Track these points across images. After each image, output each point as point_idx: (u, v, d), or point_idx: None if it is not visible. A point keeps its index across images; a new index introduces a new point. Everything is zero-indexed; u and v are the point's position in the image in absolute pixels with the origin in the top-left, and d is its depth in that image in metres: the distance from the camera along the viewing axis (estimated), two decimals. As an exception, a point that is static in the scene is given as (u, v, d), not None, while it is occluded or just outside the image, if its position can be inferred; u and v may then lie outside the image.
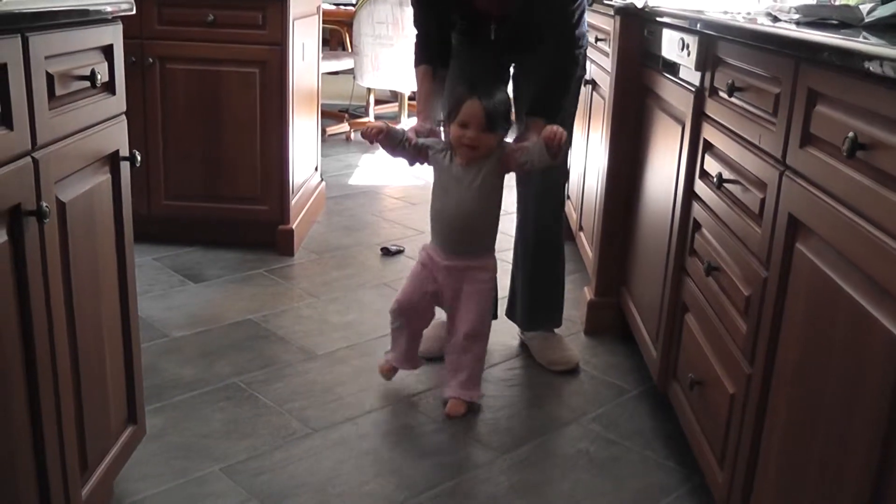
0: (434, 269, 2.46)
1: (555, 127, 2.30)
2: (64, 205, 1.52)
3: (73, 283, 1.58)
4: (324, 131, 5.00)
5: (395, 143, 2.38)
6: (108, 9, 1.66)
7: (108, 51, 1.71)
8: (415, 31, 2.63)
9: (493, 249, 2.50)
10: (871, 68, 1.17)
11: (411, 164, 2.47)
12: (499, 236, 2.88)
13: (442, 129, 2.50)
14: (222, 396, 2.47)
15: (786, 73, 1.54)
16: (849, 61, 1.25)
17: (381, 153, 2.42)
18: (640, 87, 2.72)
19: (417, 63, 2.60)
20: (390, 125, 2.40)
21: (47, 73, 1.43)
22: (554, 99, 2.52)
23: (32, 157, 1.39)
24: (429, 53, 2.59)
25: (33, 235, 1.40)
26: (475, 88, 2.31)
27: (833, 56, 1.31)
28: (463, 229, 2.41)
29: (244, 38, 3.42)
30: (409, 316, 2.52)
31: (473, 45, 2.67)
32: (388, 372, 2.57)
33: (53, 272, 1.48)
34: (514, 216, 2.84)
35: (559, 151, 2.33)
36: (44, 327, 1.47)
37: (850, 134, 1.23)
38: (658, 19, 2.47)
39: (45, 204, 1.39)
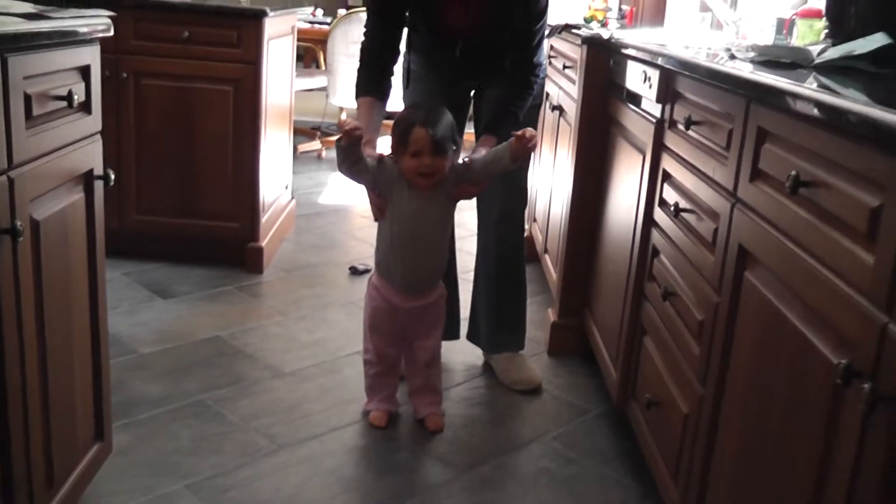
0: (395, 313, 2.44)
1: (531, 130, 2.30)
2: (38, 223, 1.55)
3: (45, 301, 1.61)
4: (295, 148, 5.05)
5: (356, 156, 2.29)
6: (87, 30, 1.70)
7: (85, 71, 1.75)
8: (360, 61, 2.58)
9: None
10: (812, 112, 1.24)
11: (359, 181, 2.38)
12: (461, 255, 2.94)
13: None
14: (189, 413, 2.50)
15: (738, 110, 1.62)
16: (792, 104, 1.32)
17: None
18: (605, 115, 2.79)
19: (361, 94, 2.55)
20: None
21: (25, 94, 1.47)
22: (508, 120, 2.53)
23: (8, 177, 1.42)
24: (374, 85, 2.55)
25: (6, 254, 1.43)
26: (417, 115, 2.30)
27: (778, 98, 1.38)
28: (426, 269, 2.42)
29: (219, 55, 3.46)
30: (389, 359, 2.52)
31: (436, 67, 2.70)
32: (383, 419, 2.51)
33: (26, 290, 1.52)
34: (475, 236, 2.89)
35: (523, 154, 2.32)
36: (14, 344, 1.49)
37: (793, 172, 1.30)
38: (623, 51, 2.54)
39: (19, 223, 1.43)
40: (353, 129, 2.22)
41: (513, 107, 2.56)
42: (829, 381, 1.17)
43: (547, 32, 2.72)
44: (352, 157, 2.29)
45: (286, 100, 4.04)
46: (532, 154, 2.73)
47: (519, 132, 2.29)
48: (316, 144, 6.12)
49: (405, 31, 2.65)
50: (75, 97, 1.65)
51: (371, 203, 2.42)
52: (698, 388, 1.75)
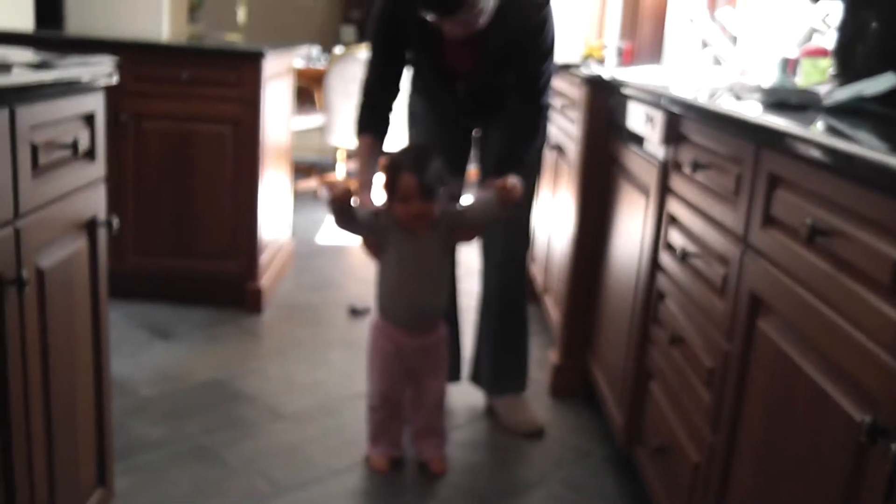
0: (402, 353, 2.44)
1: (513, 179, 2.31)
2: (43, 273, 1.53)
3: (50, 349, 1.59)
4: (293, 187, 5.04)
5: (349, 215, 2.31)
6: (92, 78, 1.70)
7: (89, 118, 1.74)
8: (362, 97, 2.59)
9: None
10: (827, 159, 1.23)
11: (356, 233, 2.42)
12: (463, 295, 2.92)
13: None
14: (190, 457, 2.47)
15: (746, 155, 1.61)
16: (806, 150, 1.31)
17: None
18: (606, 155, 2.78)
19: (362, 131, 2.56)
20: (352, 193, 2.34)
21: (31, 144, 1.46)
22: (512, 164, 2.51)
23: (14, 227, 1.41)
24: (375, 123, 2.56)
25: (12, 304, 1.42)
26: (405, 161, 2.31)
27: (791, 144, 1.37)
28: (429, 305, 2.42)
29: (218, 96, 3.46)
30: (394, 404, 2.50)
31: (439, 108, 2.70)
32: (387, 465, 2.49)
33: (31, 339, 1.50)
34: (476, 275, 2.88)
35: (510, 203, 2.32)
36: (19, 392, 1.48)
37: (809, 221, 1.29)
38: (624, 91, 2.54)
39: (25, 273, 1.41)
40: (343, 193, 2.26)
41: (518, 150, 2.55)
42: (851, 437, 1.15)
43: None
44: (346, 217, 2.32)
45: (284, 139, 4.04)
46: (534, 196, 2.74)
47: (498, 183, 2.30)
48: (313, 183, 6.12)
49: (408, 70, 2.66)
50: (80, 145, 1.64)
51: (365, 246, 2.45)
52: (709, 437, 1.73)
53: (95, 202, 1.79)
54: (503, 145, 2.58)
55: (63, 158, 1.61)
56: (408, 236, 2.35)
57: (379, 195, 2.42)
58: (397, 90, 2.61)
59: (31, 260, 1.48)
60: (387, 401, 2.48)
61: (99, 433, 1.93)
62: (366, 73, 2.60)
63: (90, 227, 1.78)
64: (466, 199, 2.48)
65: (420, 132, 2.74)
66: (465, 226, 2.42)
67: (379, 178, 2.50)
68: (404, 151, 2.41)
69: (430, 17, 2.29)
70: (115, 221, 1.84)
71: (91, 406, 1.87)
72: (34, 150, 1.47)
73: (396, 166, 2.31)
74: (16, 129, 1.39)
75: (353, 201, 2.32)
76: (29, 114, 1.44)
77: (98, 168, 1.80)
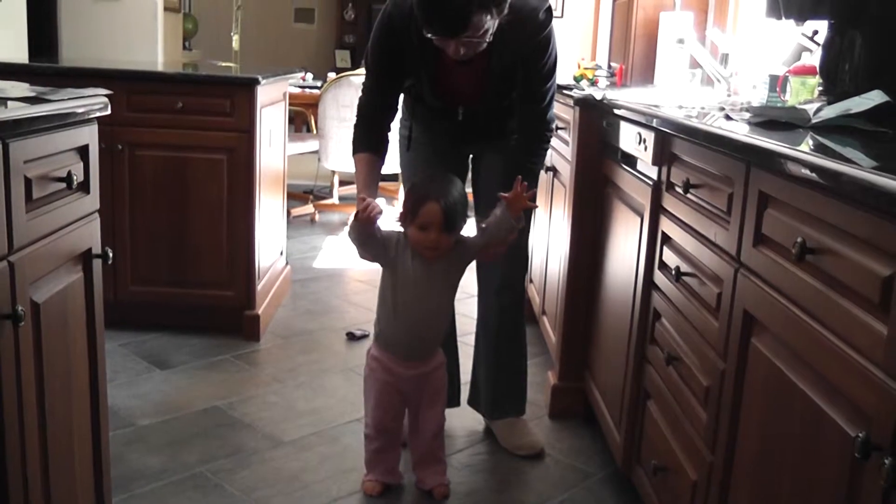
0: (398, 383, 2.42)
1: (517, 190, 2.30)
2: (38, 306, 1.54)
3: (46, 382, 1.59)
4: (288, 213, 5.04)
5: (370, 231, 2.31)
6: (85, 111, 1.71)
7: (83, 150, 1.75)
8: (357, 117, 2.61)
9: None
10: (815, 178, 1.24)
11: (364, 256, 2.38)
12: (460, 318, 2.92)
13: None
14: (189, 486, 2.46)
15: (737, 174, 1.62)
16: (794, 170, 1.32)
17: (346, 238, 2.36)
18: (599, 176, 2.79)
19: (358, 150, 2.57)
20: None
21: (25, 178, 1.47)
22: (524, 176, 2.47)
23: (8, 262, 1.42)
24: (371, 141, 2.57)
25: (8, 339, 1.42)
26: (432, 188, 2.29)
27: (779, 163, 1.38)
28: (428, 334, 2.41)
29: (213, 125, 3.47)
30: (390, 434, 2.49)
31: (436, 133, 2.71)
32: (378, 488, 2.47)
33: (27, 372, 1.50)
34: (475, 298, 2.89)
35: (522, 207, 2.31)
36: (15, 426, 1.48)
37: (799, 239, 1.30)
38: (616, 112, 2.55)
39: (20, 307, 1.42)
40: (375, 212, 2.25)
41: (528, 162, 2.57)
42: (845, 453, 1.15)
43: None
44: (366, 232, 2.31)
45: (279, 165, 4.06)
46: (530, 220, 2.74)
47: (507, 194, 2.30)
48: (309, 208, 6.13)
49: (407, 96, 2.67)
50: (74, 178, 1.65)
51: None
52: (707, 455, 1.73)
53: (90, 235, 1.80)
54: (513, 159, 2.58)
55: (57, 192, 1.62)
56: (416, 262, 2.33)
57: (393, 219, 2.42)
58: (394, 110, 2.63)
59: (26, 294, 1.49)
60: (382, 431, 2.47)
61: (96, 464, 1.92)
62: (362, 94, 2.62)
63: (85, 259, 1.79)
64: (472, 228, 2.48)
65: (416, 157, 2.74)
66: (489, 242, 2.39)
67: (384, 200, 2.51)
68: (431, 180, 2.38)
69: (434, 39, 2.29)
70: (111, 254, 1.84)
71: (88, 437, 1.87)
72: (28, 184, 1.48)
73: (422, 194, 2.29)
74: (10, 163, 1.40)
75: (377, 227, 2.32)
76: (22, 148, 1.45)
77: (92, 201, 1.81)
